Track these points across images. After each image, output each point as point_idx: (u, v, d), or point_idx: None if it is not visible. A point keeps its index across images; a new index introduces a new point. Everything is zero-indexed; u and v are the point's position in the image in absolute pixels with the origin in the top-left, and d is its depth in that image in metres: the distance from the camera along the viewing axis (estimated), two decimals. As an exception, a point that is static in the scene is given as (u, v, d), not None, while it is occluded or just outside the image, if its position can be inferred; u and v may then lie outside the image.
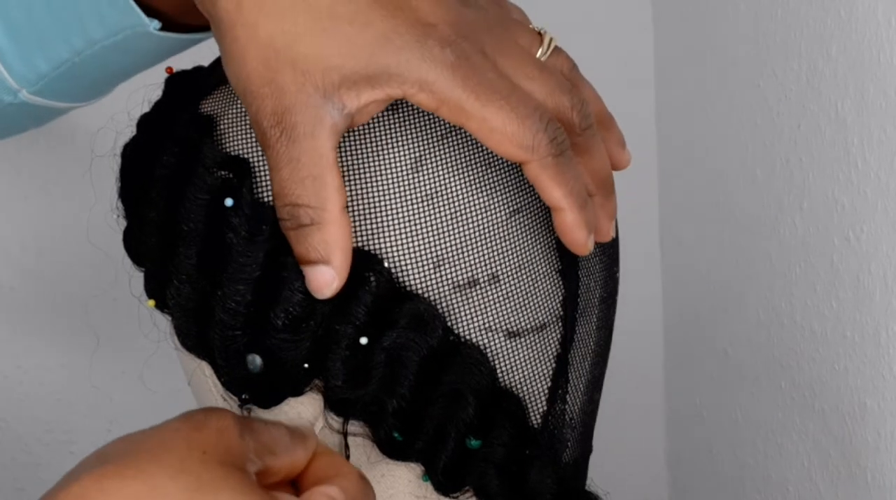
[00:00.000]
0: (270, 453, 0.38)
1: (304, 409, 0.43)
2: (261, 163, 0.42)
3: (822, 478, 0.77)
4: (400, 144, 0.42)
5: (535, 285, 0.44)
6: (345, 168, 0.42)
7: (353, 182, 0.42)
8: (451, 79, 0.38)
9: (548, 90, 0.40)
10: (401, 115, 0.42)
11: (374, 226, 0.42)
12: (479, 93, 0.38)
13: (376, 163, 0.42)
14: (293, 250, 0.40)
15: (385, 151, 0.42)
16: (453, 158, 0.42)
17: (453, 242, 0.42)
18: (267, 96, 0.38)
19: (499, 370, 0.44)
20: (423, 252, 0.42)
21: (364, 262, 0.41)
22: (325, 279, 0.39)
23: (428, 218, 0.42)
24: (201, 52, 0.49)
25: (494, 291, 0.43)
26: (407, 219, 0.42)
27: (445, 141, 0.42)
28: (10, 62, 0.46)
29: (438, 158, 0.42)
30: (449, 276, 0.42)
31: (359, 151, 0.42)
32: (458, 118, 0.38)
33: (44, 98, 0.48)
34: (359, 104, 0.38)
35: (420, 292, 0.42)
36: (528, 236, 0.44)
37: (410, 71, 0.37)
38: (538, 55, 0.42)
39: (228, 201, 0.41)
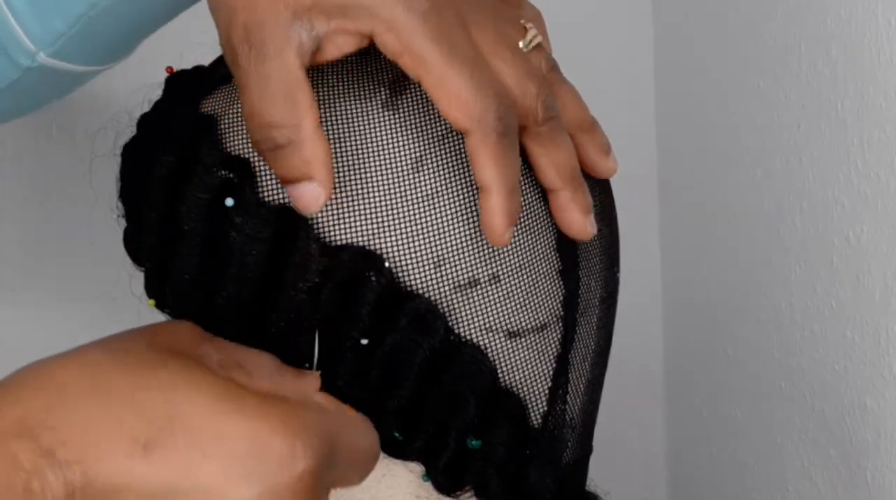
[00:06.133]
0: (243, 371, 0.37)
1: None
2: (261, 163, 0.42)
3: (822, 478, 0.77)
4: (400, 144, 0.42)
5: (536, 285, 0.44)
6: (346, 168, 0.42)
7: (353, 182, 0.42)
8: (421, 28, 0.38)
9: (516, 74, 0.40)
10: (401, 115, 0.42)
11: (375, 226, 0.42)
12: (444, 50, 0.38)
13: (377, 163, 0.42)
14: (274, 172, 0.40)
15: (385, 152, 0.42)
16: (453, 159, 0.42)
17: (454, 242, 0.42)
18: (239, 10, 0.37)
19: (499, 370, 0.44)
20: (423, 252, 0.42)
21: (365, 261, 0.41)
22: (312, 196, 0.39)
23: (428, 218, 0.42)
24: (201, 52, 0.49)
25: (495, 291, 0.43)
26: (408, 219, 0.42)
27: (445, 141, 0.42)
28: (26, 23, 0.46)
29: (439, 158, 0.42)
30: (450, 276, 0.42)
31: (359, 152, 0.42)
32: (417, 70, 0.38)
33: (62, 61, 0.48)
34: (328, 29, 0.38)
35: (421, 291, 0.42)
36: (528, 236, 0.44)
37: (383, 9, 0.37)
38: (520, 46, 0.42)
39: (229, 201, 0.41)
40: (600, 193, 0.48)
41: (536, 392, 0.45)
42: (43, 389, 0.34)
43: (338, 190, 0.42)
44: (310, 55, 0.38)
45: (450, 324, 0.42)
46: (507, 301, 0.43)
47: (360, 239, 0.41)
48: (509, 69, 0.40)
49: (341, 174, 0.42)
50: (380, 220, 0.42)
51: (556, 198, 0.43)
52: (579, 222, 0.43)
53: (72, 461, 0.33)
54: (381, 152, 0.42)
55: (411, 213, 0.42)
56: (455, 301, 0.42)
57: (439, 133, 0.42)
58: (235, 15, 0.38)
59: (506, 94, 0.39)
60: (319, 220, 0.42)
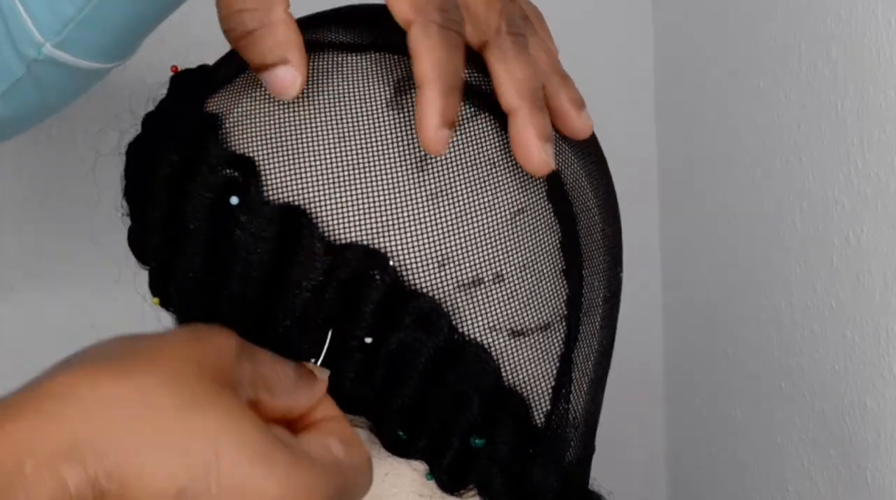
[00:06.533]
0: (267, 389, 0.37)
1: None
2: (265, 162, 0.42)
3: (822, 478, 0.78)
4: (404, 143, 0.42)
5: (539, 285, 0.44)
6: (350, 167, 0.42)
7: (358, 181, 0.42)
8: None
9: None
10: (405, 114, 0.43)
11: (380, 225, 0.42)
12: None
13: (381, 162, 0.42)
14: (248, 62, 0.39)
15: (389, 151, 0.42)
16: (457, 158, 0.43)
17: (458, 241, 0.42)
18: None
19: (503, 369, 0.44)
20: (428, 251, 0.42)
21: (370, 260, 0.41)
22: (287, 79, 0.39)
23: (432, 217, 0.42)
24: (203, 52, 0.49)
25: (499, 290, 0.43)
26: (412, 218, 0.42)
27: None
28: (34, 10, 0.46)
29: (443, 157, 0.42)
30: (454, 275, 0.42)
31: (364, 151, 0.42)
32: None
33: (68, 53, 0.48)
34: None
35: (425, 290, 0.42)
36: (532, 236, 0.44)
37: None
38: None
39: (234, 200, 0.41)
40: (605, 193, 0.48)
41: (540, 391, 0.45)
42: (92, 408, 0.33)
43: (342, 189, 0.42)
44: None
45: (454, 323, 0.42)
46: (511, 300, 0.43)
47: (364, 238, 0.41)
48: None
49: (346, 173, 0.42)
50: (384, 218, 0.42)
51: (513, 120, 0.41)
52: (536, 148, 0.40)
53: (112, 492, 0.32)
54: (385, 151, 0.42)
55: (415, 212, 0.42)
56: (459, 300, 0.42)
57: (443, 132, 0.42)
58: None
59: (464, 2, 0.39)
60: (324, 218, 0.42)
